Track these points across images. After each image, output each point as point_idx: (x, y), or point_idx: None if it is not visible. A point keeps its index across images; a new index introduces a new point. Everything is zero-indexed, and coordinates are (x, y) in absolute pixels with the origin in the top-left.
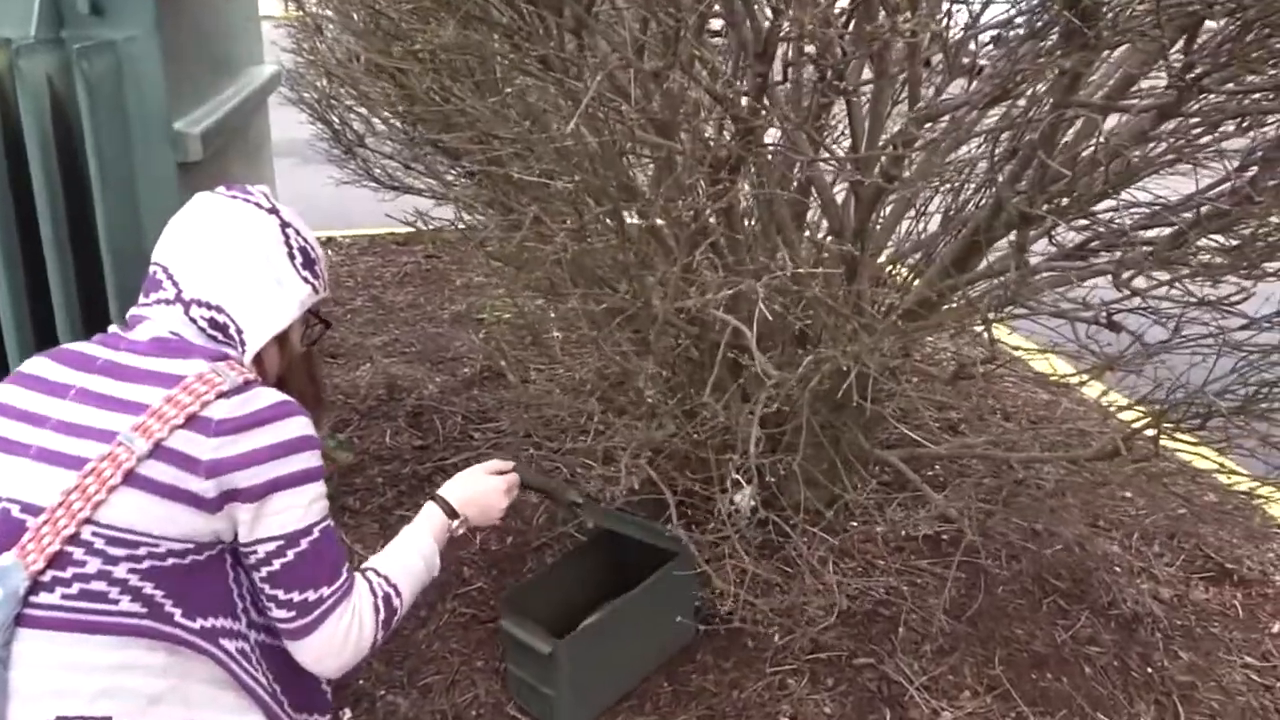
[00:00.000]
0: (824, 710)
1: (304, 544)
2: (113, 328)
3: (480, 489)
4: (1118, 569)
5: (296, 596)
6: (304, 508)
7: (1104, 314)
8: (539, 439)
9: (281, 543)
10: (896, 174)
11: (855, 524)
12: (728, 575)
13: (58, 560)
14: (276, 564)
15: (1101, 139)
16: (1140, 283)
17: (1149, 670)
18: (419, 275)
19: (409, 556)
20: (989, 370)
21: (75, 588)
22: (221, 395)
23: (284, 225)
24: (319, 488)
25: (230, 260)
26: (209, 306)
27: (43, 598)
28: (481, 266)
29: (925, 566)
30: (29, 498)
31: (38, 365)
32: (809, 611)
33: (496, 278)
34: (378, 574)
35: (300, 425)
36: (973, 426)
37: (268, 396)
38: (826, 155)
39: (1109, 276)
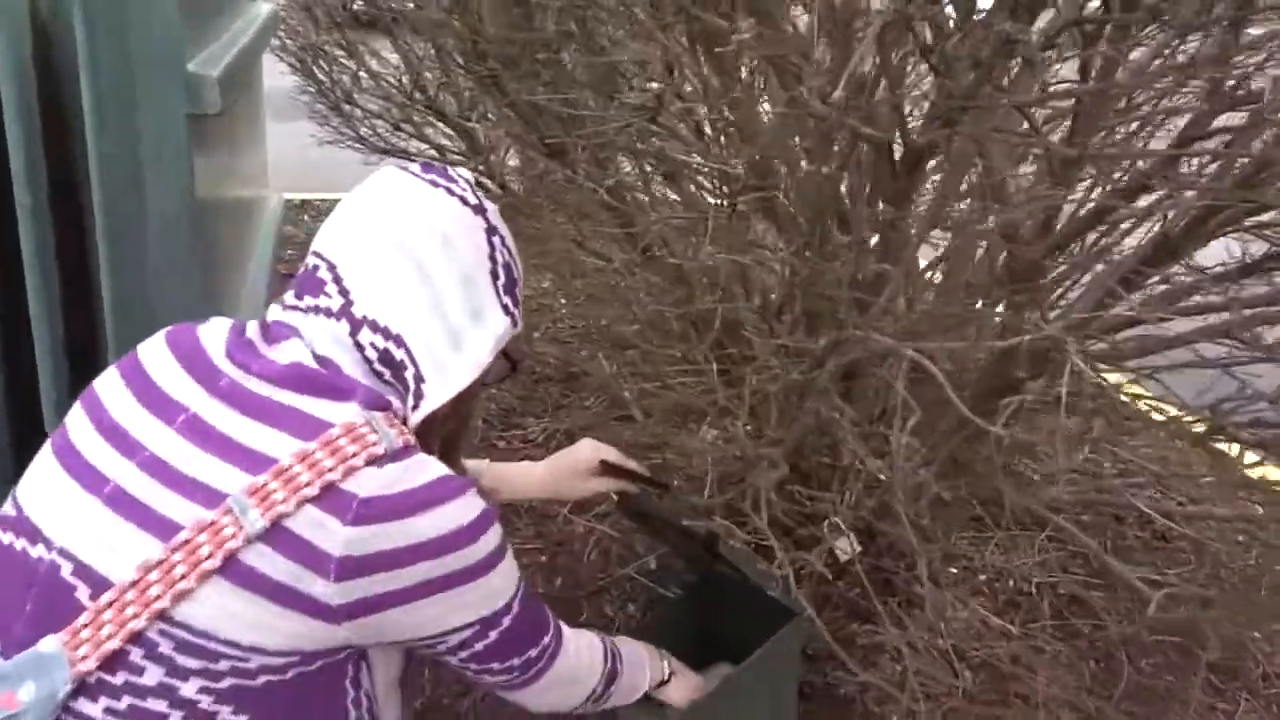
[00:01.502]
0: None
1: (506, 621)
2: (251, 328)
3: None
4: (1256, 635)
5: (516, 660)
6: (498, 589)
7: None
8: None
9: (477, 628)
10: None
11: (955, 570)
12: (827, 636)
13: (111, 661)
14: (479, 645)
15: None
16: None
17: None
18: None
19: (638, 651)
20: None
21: (124, 702)
22: (373, 461)
23: (490, 231)
24: (508, 563)
25: (422, 274)
26: (386, 334)
27: (82, 705)
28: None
29: (1049, 625)
30: (91, 560)
31: (156, 358)
32: (929, 684)
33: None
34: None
35: (469, 505)
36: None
37: (429, 469)
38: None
39: None
